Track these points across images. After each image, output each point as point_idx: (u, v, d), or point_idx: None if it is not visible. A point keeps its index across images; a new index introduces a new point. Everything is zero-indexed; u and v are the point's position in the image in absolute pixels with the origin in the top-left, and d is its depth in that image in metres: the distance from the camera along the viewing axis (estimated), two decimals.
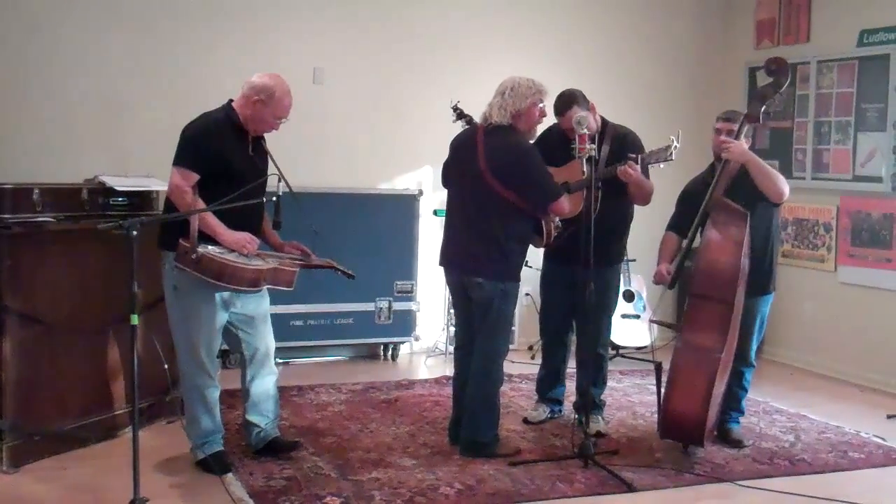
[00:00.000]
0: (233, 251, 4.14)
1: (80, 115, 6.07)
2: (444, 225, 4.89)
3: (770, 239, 4.92)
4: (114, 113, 6.16)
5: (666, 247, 5.07)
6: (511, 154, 4.55)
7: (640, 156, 4.74)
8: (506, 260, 4.62)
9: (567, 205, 4.64)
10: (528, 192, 4.56)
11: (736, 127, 4.83)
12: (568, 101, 4.88)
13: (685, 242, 4.89)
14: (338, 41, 6.77)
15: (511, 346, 7.12)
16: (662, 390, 5.06)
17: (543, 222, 4.70)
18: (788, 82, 4.88)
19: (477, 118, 4.77)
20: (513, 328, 7.25)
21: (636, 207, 5.13)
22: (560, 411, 5.43)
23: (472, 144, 4.63)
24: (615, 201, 4.84)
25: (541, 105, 4.63)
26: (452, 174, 4.82)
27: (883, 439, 5.23)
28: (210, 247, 4.08)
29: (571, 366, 5.39)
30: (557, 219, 4.74)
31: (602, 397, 5.35)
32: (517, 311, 7.20)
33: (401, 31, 6.95)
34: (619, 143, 4.87)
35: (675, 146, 4.68)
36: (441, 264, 4.90)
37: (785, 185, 4.77)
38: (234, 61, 6.27)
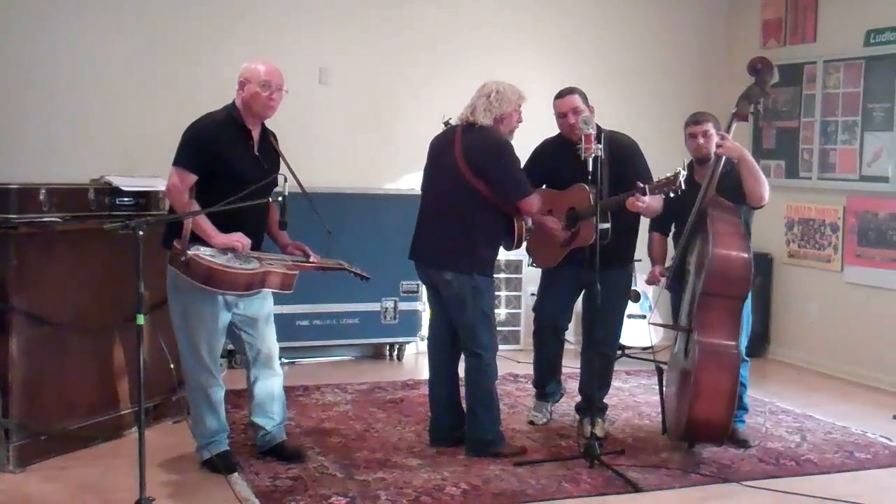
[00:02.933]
0: (227, 253, 4.13)
1: (87, 116, 6.08)
2: (417, 221, 4.86)
3: (748, 236, 4.94)
4: (120, 113, 6.17)
5: (657, 249, 5.17)
6: (486, 144, 4.59)
7: (647, 186, 4.68)
8: (474, 253, 4.61)
9: (537, 204, 4.68)
10: (499, 183, 4.58)
11: (708, 127, 4.93)
12: (570, 88, 4.95)
13: (681, 242, 4.88)
14: (343, 41, 6.78)
15: (517, 346, 7.18)
16: (665, 390, 5.07)
17: (515, 222, 4.72)
18: (774, 81, 4.96)
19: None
20: (518, 328, 7.29)
21: None
22: (561, 396, 5.44)
23: (450, 142, 4.68)
24: (623, 206, 4.81)
25: (520, 110, 4.71)
26: (428, 174, 4.85)
27: (889, 440, 5.22)
28: (202, 248, 4.06)
29: (574, 365, 5.39)
30: (529, 221, 4.77)
31: (605, 400, 5.31)
32: (522, 311, 7.24)
33: (406, 31, 6.95)
34: (616, 152, 4.85)
35: (683, 175, 4.64)
36: (411, 258, 4.89)
37: (767, 191, 4.80)
38: (240, 61, 6.19)
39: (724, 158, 4.74)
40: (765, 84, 4.89)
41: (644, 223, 5.15)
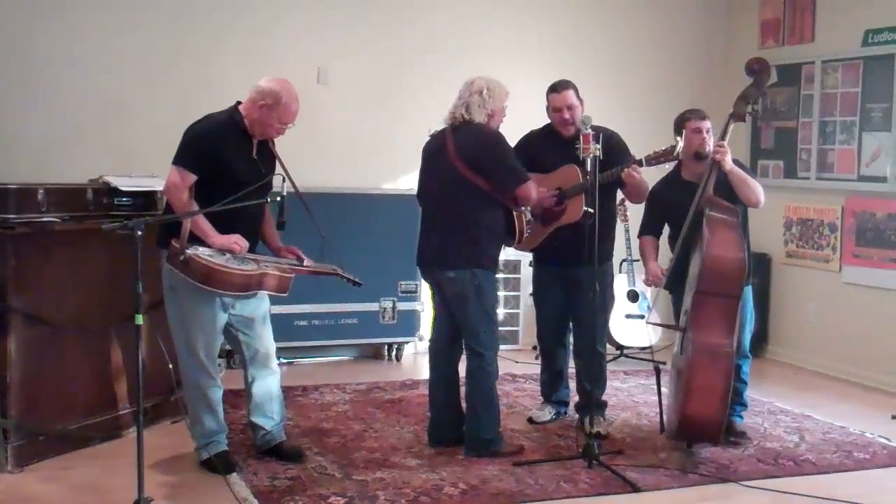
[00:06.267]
0: (224, 254, 4.12)
1: (85, 116, 6.08)
2: (420, 229, 4.89)
3: (746, 233, 4.94)
4: (118, 113, 6.17)
5: (648, 249, 5.12)
6: (479, 139, 4.62)
7: (644, 157, 4.75)
8: (475, 246, 4.62)
9: (534, 191, 4.68)
10: (495, 173, 4.59)
11: (710, 124, 4.93)
12: (566, 82, 4.98)
13: (679, 241, 4.87)
14: (342, 41, 6.78)
15: (515, 346, 7.19)
16: (665, 391, 5.07)
17: (515, 216, 4.73)
18: (771, 81, 4.97)
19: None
20: (517, 328, 7.29)
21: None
22: (565, 413, 5.42)
23: (442, 143, 4.70)
24: (604, 200, 4.82)
25: (505, 106, 4.76)
26: (425, 178, 4.86)
27: (888, 440, 5.21)
28: (201, 248, 4.05)
29: (570, 365, 5.39)
30: (528, 213, 4.77)
31: (604, 398, 5.32)
32: (521, 311, 7.24)
33: (405, 31, 6.95)
34: (606, 144, 4.87)
35: (680, 146, 4.67)
36: (417, 264, 4.93)
37: (761, 194, 4.84)
38: (238, 61, 6.28)
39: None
40: (762, 85, 4.90)
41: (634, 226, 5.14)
